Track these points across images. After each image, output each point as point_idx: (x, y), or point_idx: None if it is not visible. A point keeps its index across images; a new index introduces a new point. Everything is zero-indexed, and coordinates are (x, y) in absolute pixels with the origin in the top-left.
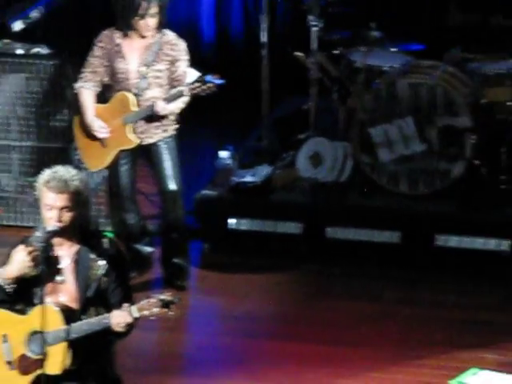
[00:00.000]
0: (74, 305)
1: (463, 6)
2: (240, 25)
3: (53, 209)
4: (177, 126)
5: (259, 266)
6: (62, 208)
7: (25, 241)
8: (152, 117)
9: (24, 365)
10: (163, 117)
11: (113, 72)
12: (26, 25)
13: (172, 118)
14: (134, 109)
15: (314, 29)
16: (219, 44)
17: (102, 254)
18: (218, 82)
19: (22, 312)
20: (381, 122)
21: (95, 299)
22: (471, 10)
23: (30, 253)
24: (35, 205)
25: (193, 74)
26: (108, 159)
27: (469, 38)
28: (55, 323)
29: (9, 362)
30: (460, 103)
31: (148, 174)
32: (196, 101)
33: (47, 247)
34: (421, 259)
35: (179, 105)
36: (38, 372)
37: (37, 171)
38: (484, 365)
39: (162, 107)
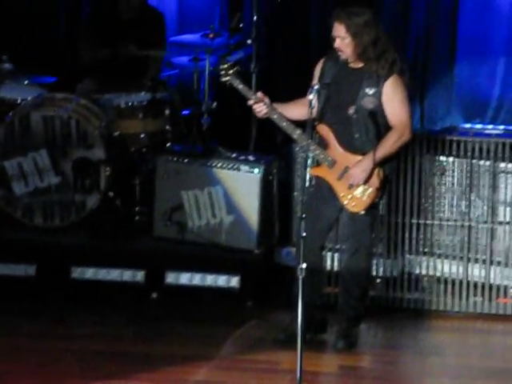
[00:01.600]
0: None
1: (92, 43)
2: None
3: None
4: None
5: None
6: None
7: None
8: None
9: None
10: None
11: None
12: None
13: None
14: None
15: None
16: None
17: None
18: None
19: None
20: (15, 155)
21: None
22: (100, 46)
23: None
24: None
25: None
26: None
27: (100, 69)
28: None
29: None
30: (93, 135)
31: None
32: None
33: None
34: (57, 292)
35: None
36: None
37: None
38: None
39: None
